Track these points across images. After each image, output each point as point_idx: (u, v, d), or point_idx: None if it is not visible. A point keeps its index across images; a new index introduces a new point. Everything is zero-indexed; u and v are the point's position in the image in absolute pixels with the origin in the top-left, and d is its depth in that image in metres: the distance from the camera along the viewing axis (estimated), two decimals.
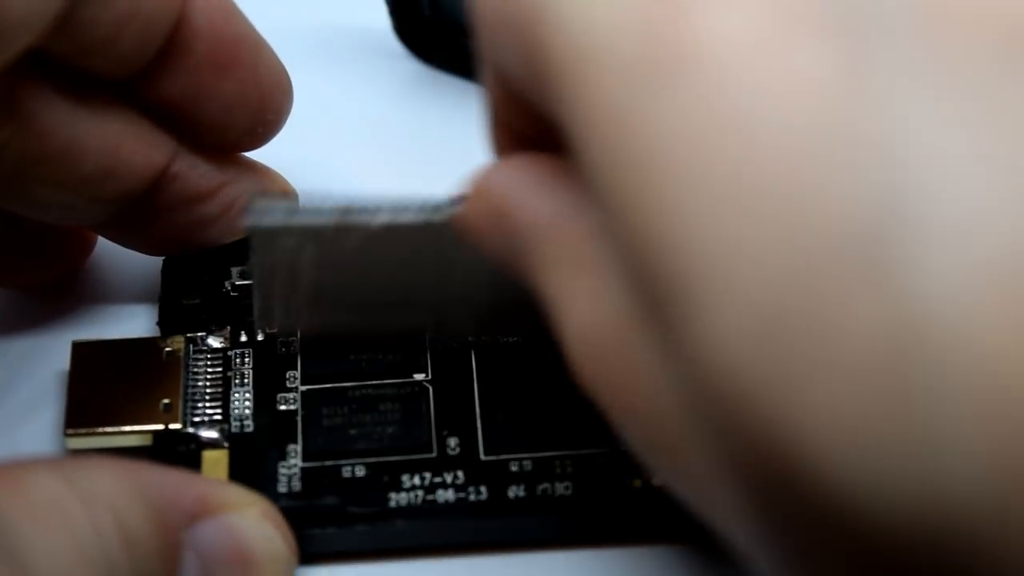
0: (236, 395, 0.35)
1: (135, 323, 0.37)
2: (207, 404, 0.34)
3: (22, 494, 0.28)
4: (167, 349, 0.35)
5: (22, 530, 0.27)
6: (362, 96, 0.42)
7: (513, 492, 0.33)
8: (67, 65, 0.32)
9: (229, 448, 0.34)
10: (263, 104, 0.35)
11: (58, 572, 0.27)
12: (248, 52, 0.34)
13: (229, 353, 0.35)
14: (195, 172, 0.35)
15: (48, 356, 0.36)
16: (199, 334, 0.35)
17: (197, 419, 0.34)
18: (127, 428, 0.34)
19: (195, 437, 0.34)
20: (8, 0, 0.28)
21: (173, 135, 0.34)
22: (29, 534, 0.27)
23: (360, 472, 0.33)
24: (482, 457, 0.34)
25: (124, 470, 0.30)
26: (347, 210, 0.31)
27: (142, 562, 0.29)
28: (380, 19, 0.42)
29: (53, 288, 0.37)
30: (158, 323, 0.36)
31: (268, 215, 0.31)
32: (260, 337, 0.35)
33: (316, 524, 0.32)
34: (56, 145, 0.32)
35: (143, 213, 0.35)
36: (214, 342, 0.35)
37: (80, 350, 0.35)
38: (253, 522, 0.31)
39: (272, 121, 0.35)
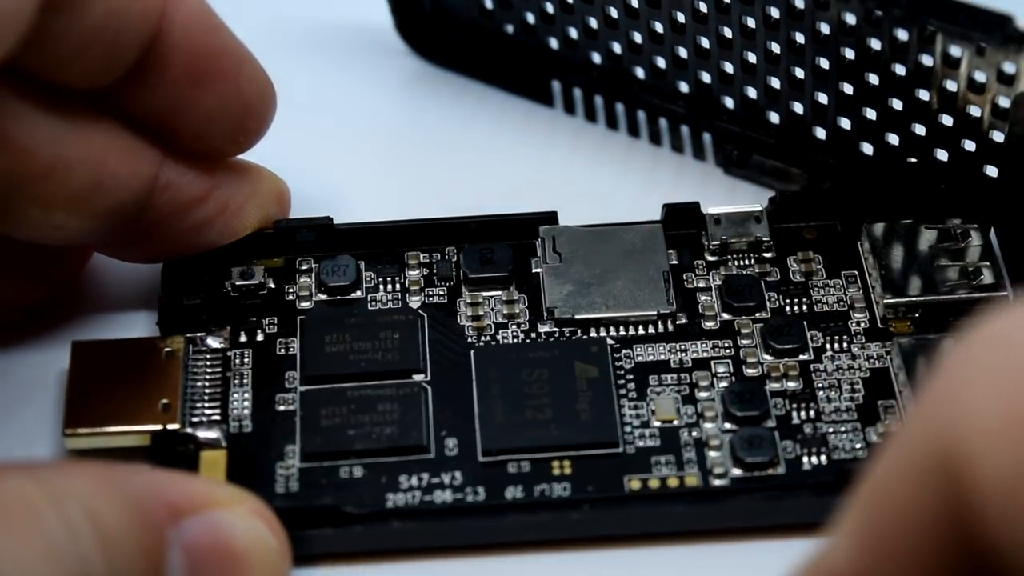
0: (235, 395, 0.35)
1: (135, 324, 0.37)
2: (206, 404, 0.34)
3: None
4: (167, 349, 0.35)
5: None
6: (363, 94, 0.42)
7: (511, 493, 0.33)
8: (42, 78, 0.32)
9: (227, 448, 0.34)
10: (244, 114, 0.35)
11: (26, 569, 0.27)
12: (228, 64, 0.34)
13: (228, 353, 0.35)
14: (184, 179, 0.35)
15: (49, 356, 0.36)
16: (199, 334, 0.36)
17: (196, 419, 0.34)
18: (125, 428, 0.34)
19: (193, 437, 0.34)
20: None
21: (158, 145, 0.34)
22: None
23: (358, 473, 0.33)
24: (480, 458, 0.34)
25: (99, 469, 0.29)
26: None
27: (120, 559, 0.28)
28: (381, 15, 0.42)
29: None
30: (158, 323, 0.36)
31: None
32: (260, 337, 0.36)
33: (313, 525, 0.32)
34: (41, 163, 0.32)
35: (138, 225, 0.34)
36: (214, 342, 0.35)
37: (80, 350, 0.35)
38: (240, 518, 0.31)
39: (254, 129, 0.35)
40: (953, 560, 0.22)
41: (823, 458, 0.33)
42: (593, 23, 0.39)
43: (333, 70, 0.42)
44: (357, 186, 0.39)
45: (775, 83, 0.37)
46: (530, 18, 0.40)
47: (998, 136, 0.35)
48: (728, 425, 0.34)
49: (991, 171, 0.35)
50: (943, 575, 0.23)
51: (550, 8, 0.39)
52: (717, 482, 0.33)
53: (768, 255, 0.37)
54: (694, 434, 0.34)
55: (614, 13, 0.38)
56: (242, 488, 0.32)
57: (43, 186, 0.32)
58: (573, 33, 0.40)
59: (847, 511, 0.24)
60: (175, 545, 0.30)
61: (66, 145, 0.32)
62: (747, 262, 0.37)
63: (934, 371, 0.24)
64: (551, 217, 0.37)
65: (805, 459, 0.33)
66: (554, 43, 0.40)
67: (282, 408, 0.34)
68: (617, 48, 0.39)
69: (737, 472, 0.33)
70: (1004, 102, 0.34)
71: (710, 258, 0.37)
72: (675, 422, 0.34)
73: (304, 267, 0.37)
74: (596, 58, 0.40)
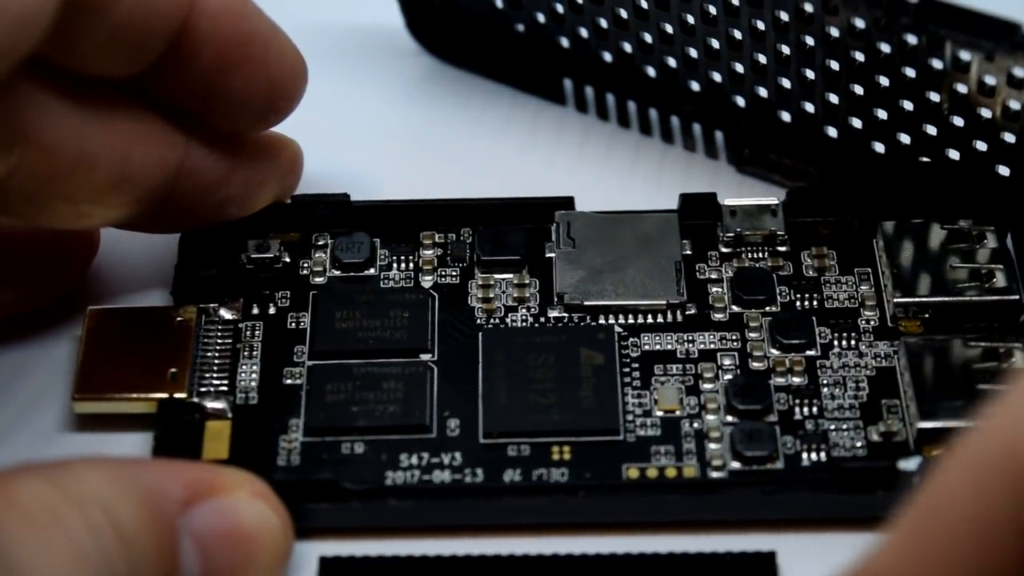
0: (244, 367, 0.35)
1: (151, 294, 0.37)
2: (214, 375, 0.35)
3: (13, 502, 0.28)
4: (179, 318, 0.35)
5: (16, 537, 0.27)
6: (375, 93, 0.42)
7: (509, 476, 0.33)
8: (68, 69, 0.31)
9: (232, 419, 0.34)
10: (274, 94, 0.34)
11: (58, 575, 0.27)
12: (258, 48, 0.33)
13: (240, 325, 0.36)
14: (209, 161, 0.35)
15: (63, 322, 0.36)
16: (212, 305, 0.36)
17: (203, 389, 0.35)
18: (133, 395, 0.34)
19: (199, 407, 0.34)
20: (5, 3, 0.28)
21: (183, 129, 0.34)
22: (24, 541, 0.27)
23: (359, 449, 0.34)
24: (480, 440, 0.34)
25: (113, 467, 0.30)
26: None
27: (139, 556, 0.29)
28: (392, 16, 0.42)
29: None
30: (172, 292, 0.36)
31: None
32: (272, 311, 0.36)
33: (312, 499, 0.33)
34: (66, 160, 0.31)
35: (161, 206, 0.34)
36: (226, 314, 0.36)
37: (95, 316, 0.35)
38: (245, 502, 0.31)
39: (284, 108, 0.35)
40: (1013, 564, 0.23)
41: (823, 455, 0.33)
42: (603, 23, 0.39)
43: (344, 70, 0.42)
44: (368, 186, 0.39)
45: (786, 83, 0.37)
46: (540, 17, 0.40)
47: (1009, 137, 0.34)
48: (729, 418, 0.34)
49: (1003, 171, 0.35)
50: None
51: (560, 8, 0.39)
52: (715, 474, 0.33)
53: (782, 249, 0.37)
54: (695, 425, 0.34)
55: (624, 13, 0.38)
56: (244, 460, 0.33)
57: (69, 181, 0.32)
58: (583, 32, 0.40)
59: (899, 514, 0.24)
60: (186, 534, 0.30)
61: (91, 140, 0.32)
62: (760, 255, 0.37)
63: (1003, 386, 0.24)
64: (567, 202, 0.37)
65: (804, 455, 0.33)
66: (565, 42, 0.40)
67: (289, 382, 0.35)
68: (628, 47, 0.39)
69: (736, 465, 0.33)
70: (1015, 104, 0.34)
71: (724, 249, 0.37)
72: (677, 412, 0.34)
73: (320, 242, 0.37)
74: (607, 57, 0.40)
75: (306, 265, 0.37)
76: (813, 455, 0.33)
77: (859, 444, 0.34)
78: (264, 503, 0.31)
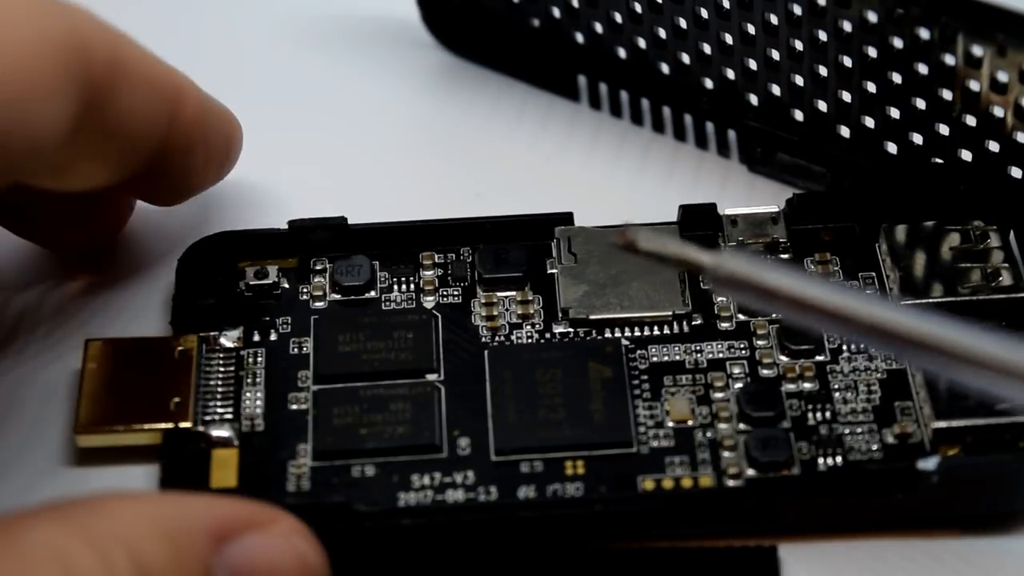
0: (247, 394, 0.35)
1: (149, 323, 0.37)
2: (218, 403, 0.34)
3: (18, 552, 0.27)
4: (180, 348, 0.35)
5: None
6: (389, 86, 0.42)
7: (523, 493, 0.33)
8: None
9: (239, 447, 0.34)
10: (220, 166, 0.37)
11: None
12: (220, 141, 0.35)
13: (241, 352, 0.35)
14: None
15: (61, 355, 0.36)
16: (212, 333, 0.35)
17: (208, 418, 0.34)
18: (137, 427, 0.34)
19: (205, 436, 0.34)
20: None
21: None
22: None
23: (370, 472, 0.33)
24: (492, 458, 0.33)
25: (138, 503, 0.29)
26: None
27: None
28: (408, 8, 0.42)
29: (68, 281, 0.38)
30: (171, 322, 0.36)
31: None
32: (273, 337, 0.35)
33: (325, 523, 0.32)
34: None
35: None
36: (227, 341, 0.35)
37: (93, 348, 0.35)
38: (281, 538, 0.30)
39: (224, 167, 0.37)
40: None
41: (839, 459, 0.33)
42: (618, 18, 0.39)
43: (359, 62, 0.42)
44: (378, 179, 0.40)
45: (799, 80, 0.37)
46: (555, 12, 0.40)
47: (1022, 137, 0.34)
48: (743, 426, 0.34)
49: (1015, 172, 0.35)
50: None
51: (575, 3, 0.39)
52: (731, 483, 0.33)
53: (785, 256, 0.37)
54: (708, 435, 0.34)
55: (638, 8, 0.38)
56: (253, 487, 0.33)
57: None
58: (598, 27, 0.40)
59: None
60: (219, 572, 0.29)
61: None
62: None
63: None
64: (567, 218, 0.37)
65: (820, 460, 0.33)
66: (579, 37, 0.40)
67: (295, 407, 0.34)
68: (642, 43, 0.39)
69: (752, 473, 0.33)
70: None
71: None
72: (689, 422, 0.34)
73: (318, 267, 0.37)
74: (621, 53, 0.40)
75: (305, 290, 0.36)
76: (829, 460, 0.33)
77: (875, 447, 0.33)
78: (300, 539, 0.30)
